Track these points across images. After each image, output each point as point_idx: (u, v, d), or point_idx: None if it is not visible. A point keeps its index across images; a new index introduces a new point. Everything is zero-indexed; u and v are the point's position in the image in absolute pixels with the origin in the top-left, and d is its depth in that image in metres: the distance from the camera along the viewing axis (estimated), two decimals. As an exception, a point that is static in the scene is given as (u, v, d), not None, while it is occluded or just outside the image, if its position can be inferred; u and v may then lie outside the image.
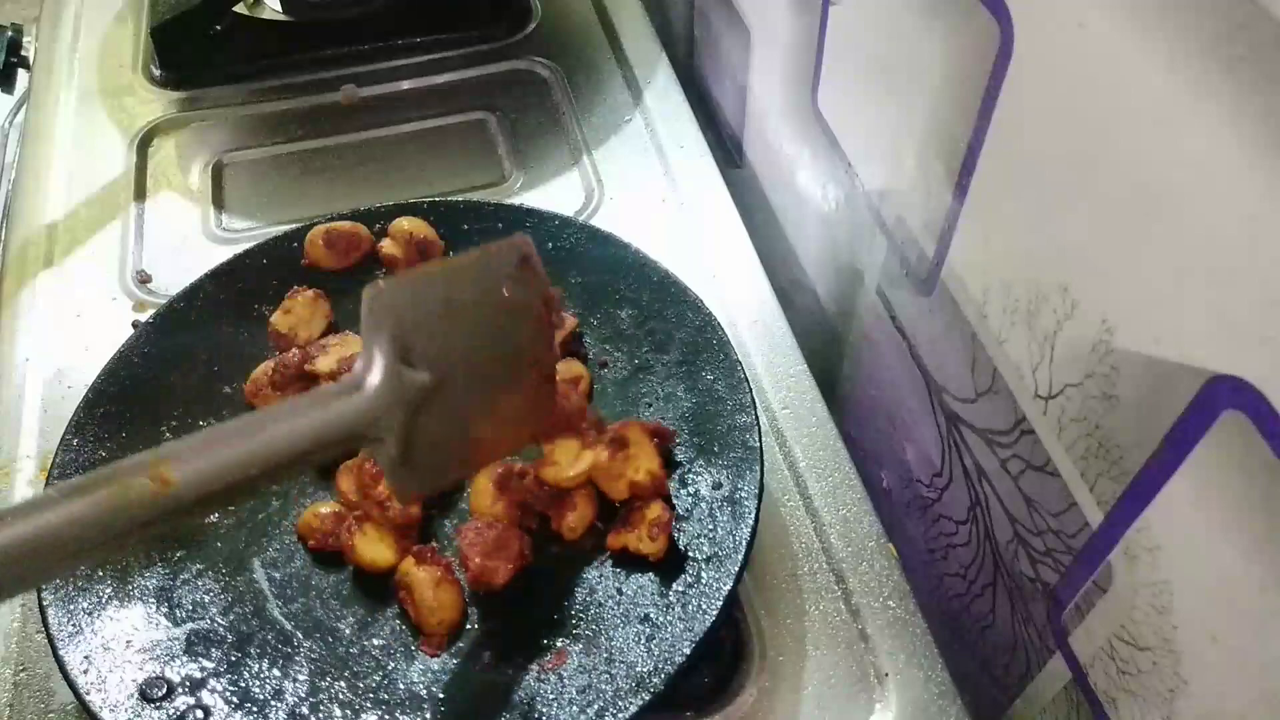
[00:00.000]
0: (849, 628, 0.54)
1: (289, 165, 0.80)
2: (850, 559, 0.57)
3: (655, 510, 0.50)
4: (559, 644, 0.48)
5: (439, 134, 0.82)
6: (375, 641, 0.49)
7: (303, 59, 0.87)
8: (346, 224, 0.65)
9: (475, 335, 0.44)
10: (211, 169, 0.79)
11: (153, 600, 0.50)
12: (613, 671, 0.47)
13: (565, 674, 0.47)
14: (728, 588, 0.48)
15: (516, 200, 0.75)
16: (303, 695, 0.47)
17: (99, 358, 0.59)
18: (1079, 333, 0.43)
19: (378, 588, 0.51)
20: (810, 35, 0.67)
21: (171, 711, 0.46)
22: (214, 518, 0.53)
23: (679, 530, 0.51)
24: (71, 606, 0.49)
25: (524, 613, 0.50)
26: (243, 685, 0.47)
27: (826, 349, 0.75)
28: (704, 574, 0.49)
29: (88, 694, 0.46)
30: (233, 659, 0.48)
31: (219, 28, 0.87)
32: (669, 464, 0.54)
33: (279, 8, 0.90)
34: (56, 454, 0.54)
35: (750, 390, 0.56)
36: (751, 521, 0.51)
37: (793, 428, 0.63)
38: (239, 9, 0.88)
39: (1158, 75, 0.35)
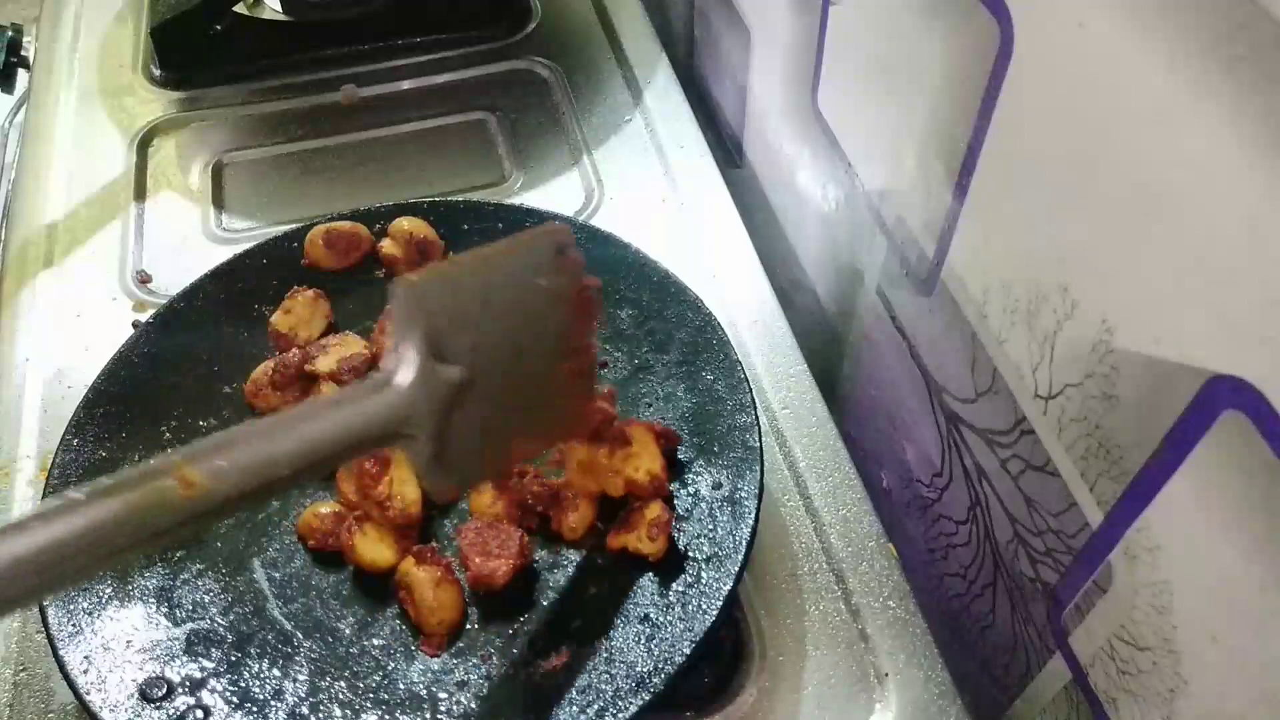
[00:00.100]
0: (849, 628, 0.54)
1: (289, 165, 0.80)
2: (850, 559, 0.57)
3: (655, 510, 0.50)
4: (559, 644, 0.48)
5: (439, 134, 0.82)
6: (375, 641, 0.49)
7: (303, 59, 0.87)
8: (346, 224, 0.65)
9: (510, 328, 0.43)
10: (211, 169, 0.79)
11: (153, 600, 0.50)
12: (613, 671, 0.47)
13: (565, 674, 0.47)
14: (728, 588, 0.48)
15: (516, 200, 0.75)
16: (303, 695, 0.47)
17: (99, 358, 0.59)
18: (1079, 333, 0.43)
19: (378, 588, 0.51)
20: (810, 35, 0.67)
21: (171, 711, 0.46)
22: (214, 518, 0.53)
23: (679, 530, 0.51)
24: (71, 606, 0.49)
25: (524, 613, 0.50)
26: (243, 685, 0.47)
27: (826, 349, 0.75)
28: (704, 574, 0.49)
29: (88, 694, 0.46)
30: (233, 659, 0.48)
31: (219, 28, 0.87)
32: (671, 465, 0.54)
33: (279, 8, 0.90)
34: (56, 454, 0.54)
35: (750, 390, 0.56)
36: (751, 521, 0.51)
37: (793, 428, 0.63)
38: (239, 9, 0.88)
39: (1158, 75, 0.35)
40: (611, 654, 0.47)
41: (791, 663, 0.53)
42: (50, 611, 0.48)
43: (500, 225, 0.66)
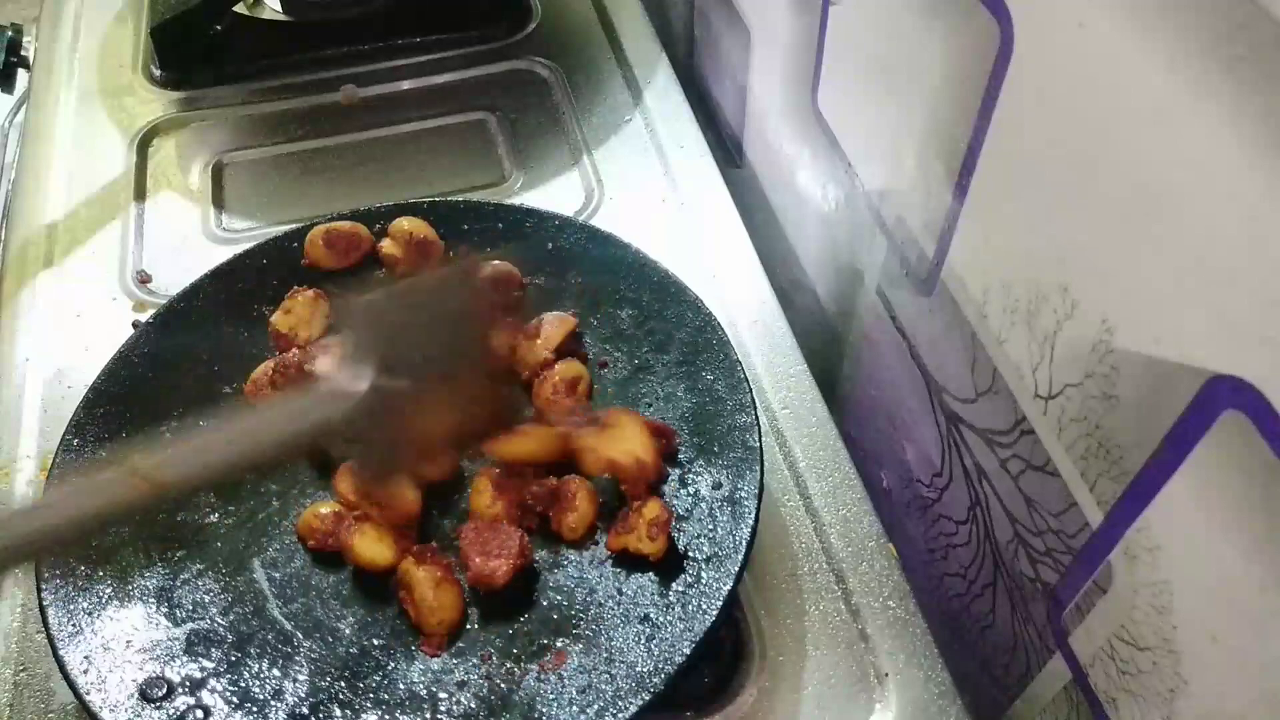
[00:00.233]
0: (849, 628, 0.54)
1: (289, 165, 0.80)
2: (850, 559, 0.57)
3: (654, 510, 0.50)
4: (559, 644, 0.48)
5: (439, 134, 0.82)
6: (375, 641, 0.49)
7: (303, 59, 0.87)
8: (346, 224, 0.65)
9: (432, 344, 0.49)
10: (211, 169, 0.79)
11: (153, 600, 0.50)
12: (613, 671, 0.47)
13: (565, 674, 0.47)
14: (728, 588, 0.48)
15: (516, 200, 0.75)
16: (303, 695, 0.47)
17: (99, 358, 0.59)
18: (1079, 333, 0.43)
19: (378, 588, 0.51)
20: (810, 35, 0.67)
21: (171, 711, 0.46)
22: (214, 517, 0.53)
23: (679, 530, 0.51)
24: (71, 606, 0.49)
25: (524, 613, 0.50)
26: (243, 685, 0.47)
27: (826, 349, 0.75)
28: (704, 574, 0.49)
29: (88, 694, 0.46)
30: (233, 659, 0.48)
31: (219, 28, 0.87)
32: (671, 463, 0.54)
33: (279, 8, 0.90)
34: (56, 454, 0.54)
35: (750, 390, 0.56)
36: (751, 521, 0.51)
37: (793, 428, 0.63)
38: (239, 9, 0.88)
39: (1158, 75, 0.35)
40: (611, 654, 0.47)
41: (791, 663, 0.53)
42: (50, 611, 0.48)
43: (500, 225, 0.66)
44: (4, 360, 0.66)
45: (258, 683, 0.47)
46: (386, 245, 0.64)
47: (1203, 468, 0.37)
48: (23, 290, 0.70)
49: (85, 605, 0.49)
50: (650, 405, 0.57)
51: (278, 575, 0.51)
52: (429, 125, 0.83)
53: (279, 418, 0.45)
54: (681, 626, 0.48)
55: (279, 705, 0.46)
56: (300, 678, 0.47)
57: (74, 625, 0.48)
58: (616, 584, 0.50)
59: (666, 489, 0.53)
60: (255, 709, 0.46)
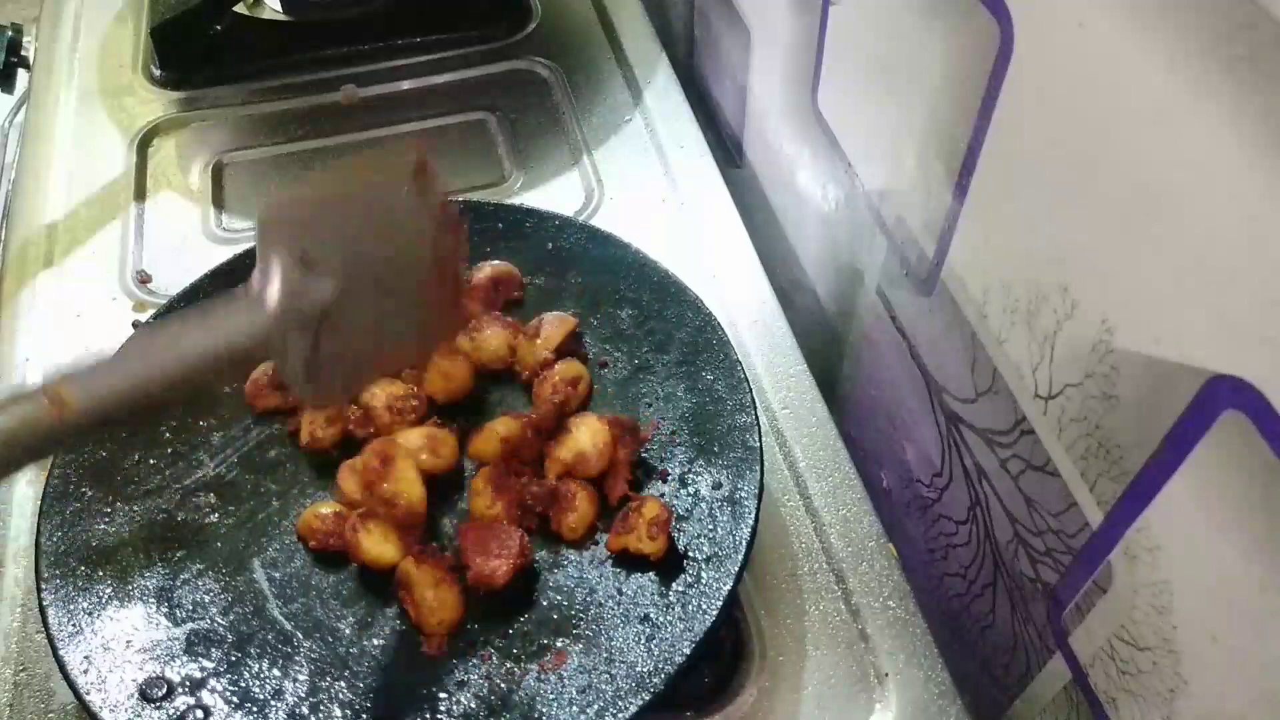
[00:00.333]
0: (849, 628, 0.54)
1: (289, 165, 0.80)
2: (850, 559, 0.57)
3: (654, 510, 0.50)
4: (559, 644, 0.48)
5: (439, 134, 0.82)
6: (375, 641, 0.49)
7: (303, 59, 0.87)
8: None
9: (375, 241, 0.44)
10: (211, 169, 0.79)
11: (153, 600, 0.50)
12: (613, 671, 0.47)
13: (565, 674, 0.47)
14: (728, 588, 0.49)
15: (516, 200, 0.75)
16: (303, 695, 0.47)
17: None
18: (1079, 333, 0.43)
19: (378, 587, 0.51)
20: (810, 35, 0.67)
21: (171, 711, 0.46)
22: (214, 517, 0.53)
23: (679, 530, 0.51)
24: (71, 606, 0.49)
25: (524, 613, 0.50)
26: (243, 685, 0.47)
27: (826, 349, 0.75)
28: (704, 574, 0.49)
29: (88, 694, 0.46)
30: (233, 659, 0.48)
31: (219, 28, 0.87)
32: (666, 460, 0.54)
33: (279, 8, 0.90)
34: (56, 454, 0.54)
35: (750, 390, 0.56)
36: (751, 521, 0.51)
37: (793, 428, 0.63)
38: (239, 9, 0.88)
39: (1158, 75, 0.35)
40: (611, 654, 0.47)
41: (791, 663, 0.53)
42: (50, 611, 0.49)
43: (500, 225, 0.66)
44: (4, 360, 0.66)
45: (258, 683, 0.47)
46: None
47: (1203, 468, 0.37)
48: (23, 290, 0.70)
49: (85, 605, 0.49)
50: (650, 405, 0.57)
51: (278, 575, 0.51)
52: (429, 125, 0.83)
53: (199, 333, 0.39)
54: (681, 626, 0.48)
55: (279, 705, 0.46)
56: (300, 678, 0.47)
57: (74, 625, 0.48)
58: (616, 584, 0.50)
59: (666, 489, 0.53)
60: (255, 709, 0.46)
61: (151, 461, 0.55)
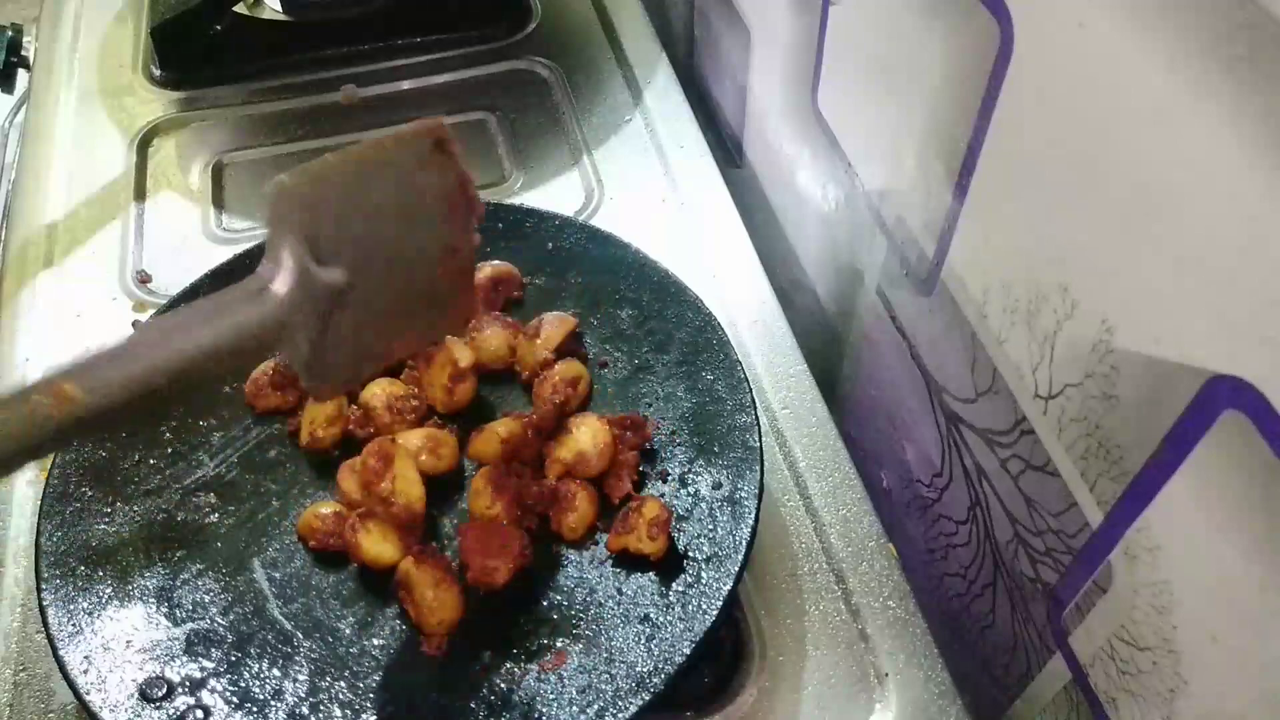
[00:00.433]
0: (849, 628, 0.54)
1: (289, 165, 0.78)
2: (850, 559, 0.57)
3: (654, 509, 0.50)
4: (559, 644, 0.48)
5: (439, 134, 0.82)
6: (375, 641, 0.49)
7: (303, 59, 0.87)
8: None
9: (388, 226, 0.42)
10: (211, 169, 0.79)
11: (153, 600, 0.50)
12: (613, 671, 0.47)
13: (565, 674, 0.47)
14: (728, 588, 0.49)
15: (516, 200, 0.75)
16: (303, 695, 0.47)
17: (99, 358, 0.59)
18: (1079, 333, 0.43)
19: (378, 587, 0.51)
20: (810, 35, 0.67)
21: (171, 711, 0.46)
22: (214, 517, 0.53)
23: (679, 530, 0.51)
24: (71, 606, 0.49)
25: (524, 613, 0.50)
26: (243, 685, 0.47)
27: (826, 349, 0.75)
28: (704, 574, 0.49)
29: (88, 694, 0.46)
30: (233, 659, 0.48)
31: (219, 28, 0.87)
32: (666, 460, 0.54)
33: (279, 8, 0.90)
34: (56, 454, 0.54)
35: (750, 390, 0.56)
36: (751, 521, 0.51)
37: (793, 428, 0.63)
38: (239, 9, 0.88)
39: (1158, 75, 0.35)
40: (611, 654, 0.47)
41: (791, 663, 0.53)
42: (50, 611, 0.49)
43: (500, 225, 0.66)
44: (4, 360, 0.66)
45: (258, 683, 0.47)
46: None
47: (1203, 468, 0.37)
48: (23, 290, 0.70)
49: (85, 605, 0.49)
50: (650, 405, 0.57)
51: (278, 575, 0.51)
52: (429, 125, 0.82)
53: (207, 321, 0.38)
54: (681, 626, 0.48)
55: (279, 705, 0.46)
56: (300, 678, 0.47)
57: (74, 625, 0.48)
58: (616, 584, 0.50)
59: (666, 489, 0.53)
60: (255, 709, 0.46)
61: (151, 461, 0.55)
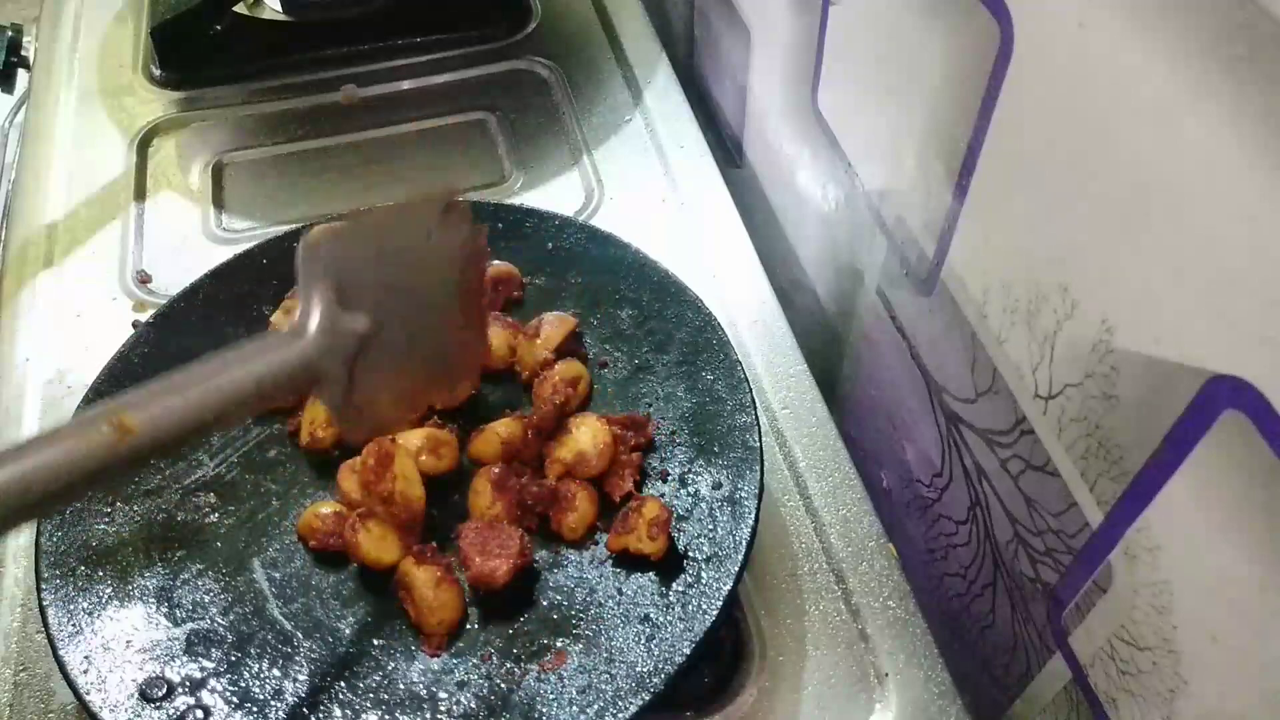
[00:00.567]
0: (849, 628, 0.54)
1: (289, 165, 0.80)
2: (850, 559, 0.57)
3: (654, 510, 0.50)
4: (559, 644, 0.48)
5: (439, 134, 0.82)
6: (375, 641, 0.49)
7: (303, 59, 0.87)
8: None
9: (408, 280, 0.46)
10: (211, 169, 0.79)
11: (153, 600, 0.50)
12: (613, 671, 0.47)
13: (565, 674, 0.47)
14: (728, 588, 0.49)
15: (516, 200, 0.75)
16: (303, 695, 0.47)
17: (99, 358, 0.59)
18: (1079, 333, 0.43)
19: (378, 587, 0.51)
20: (810, 35, 0.67)
21: (171, 711, 0.46)
22: (214, 517, 0.53)
23: (679, 530, 0.51)
24: (71, 606, 0.49)
25: (524, 613, 0.50)
26: (243, 685, 0.47)
27: (826, 349, 0.75)
28: (704, 574, 0.49)
29: (88, 694, 0.46)
30: (233, 659, 0.48)
31: (219, 28, 0.87)
32: (666, 460, 0.54)
33: (279, 8, 0.90)
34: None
35: (750, 390, 0.56)
36: (751, 521, 0.51)
37: (793, 428, 0.63)
38: (239, 9, 0.88)
39: (1158, 75, 0.35)
40: (611, 654, 0.47)
41: (791, 663, 0.53)
42: (50, 611, 0.48)
43: (500, 225, 0.66)
44: (4, 360, 0.66)
45: (258, 683, 0.47)
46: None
47: (1203, 468, 0.37)
48: (23, 290, 0.70)
49: (85, 605, 0.49)
50: (650, 405, 0.57)
51: (278, 575, 0.51)
52: (429, 125, 0.83)
53: (247, 361, 0.41)
54: (681, 626, 0.48)
55: (279, 705, 0.46)
56: (300, 678, 0.47)
57: (74, 625, 0.48)
58: (616, 584, 0.50)
59: (666, 489, 0.53)
60: (255, 709, 0.46)
61: (151, 461, 0.55)
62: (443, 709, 0.46)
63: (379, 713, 0.46)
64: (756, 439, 0.54)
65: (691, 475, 0.54)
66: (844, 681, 0.52)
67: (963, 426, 0.56)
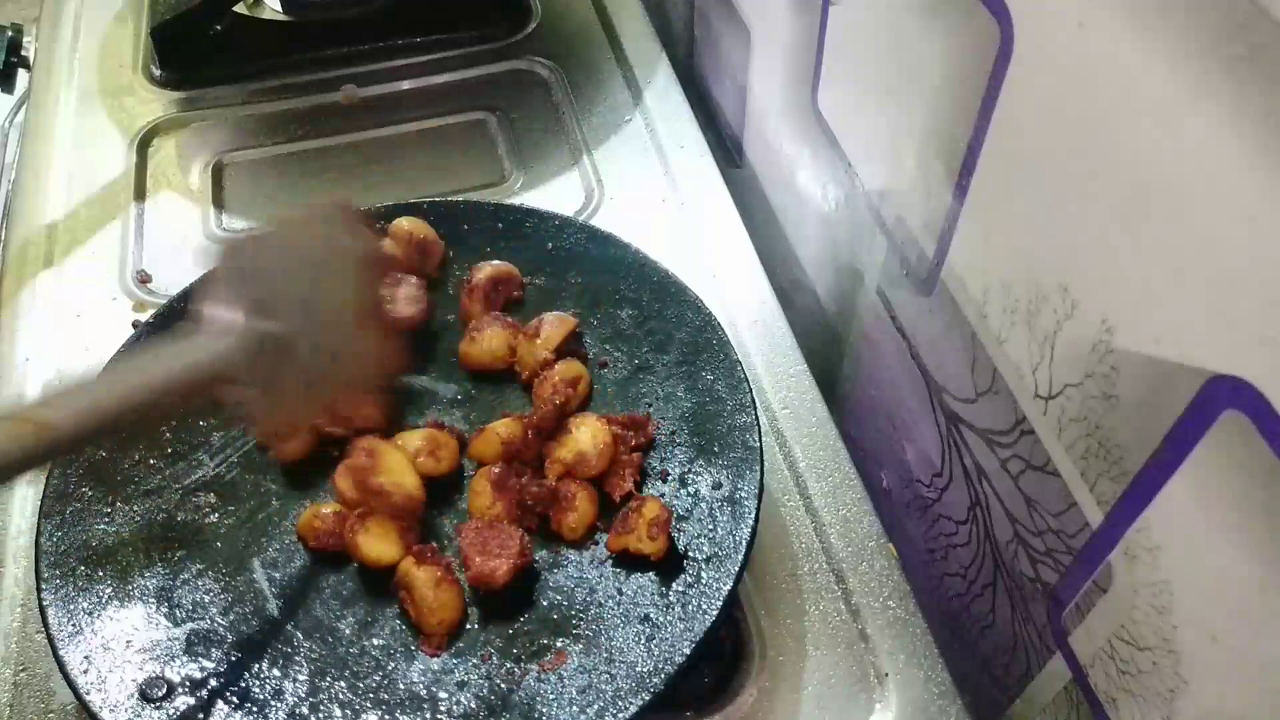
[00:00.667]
0: (849, 628, 0.54)
1: (289, 165, 0.80)
2: (850, 559, 0.57)
3: (654, 510, 0.50)
4: (559, 644, 0.48)
5: (439, 134, 0.82)
6: (375, 641, 0.49)
7: (303, 59, 0.87)
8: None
9: (311, 287, 0.49)
10: (211, 169, 0.79)
11: (153, 600, 0.50)
12: (613, 671, 0.47)
13: (565, 674, 0.47)
14: (728, 588, 0.49)
15: (516, 200, 0.75)
16: (303, 695, 0.47)
17: (99, 358, 0.59)
18: (1079, 333, 0.43)
19: (378, 587, 0.51)
20: (810, 35, 0.67)
21: (171, 711, 0.46)
22: (214, 517, 0.53)
23: (679, 530, 0.51)
24: (71, 606, 0.49)
25: (524, 613, 0.50)
26: (243, 685, 0.47)
27: (826, 349, 0.75)
28: (704, 574, 0.49)
29: (88, 694, 0.46)
30: (233, 659, 0.48)
31: (219, 28, 0.87)
32: (666, 460, 0.54)
33: (279, 8, 0.90)
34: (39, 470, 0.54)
35: (750, 390, 0.56)
36: (751, 521, 0.51)
37: (793, 428, 0.63)
38: (239, 9, 0.88)
39: (1158, 75, 0.35)
40: (611, 654, 0.47)
41: (791, 663, 0.53)
42: (50, 611, 0.48)
43: (500, 225, 0.66)
44: (4, 360, 0.66)
45: (258, 683, 0.47)
46: (386, 245, 0.64)
47: (1203, 468, 0.37)
48: (23, 290, 0.70)
49: (85, 605, 0.49)
50: (650, 405, 0.57)
51: (278, 575, 0.51)
52: (429, 125, 0.83)
53: (167, 358, 0.44)
54: (681, 626, 0.48)
55: (279, 705, 0.46)
56: (300, 678, 0.47)
57: (74, 625, 0.48)
58: (616, 584, 0.50)
59: (666, 489, 0.53)
60: (255, 709, 0.46)
61: (151, 461, 0.55)
62: (443, 709, 0.46)
63: (379, 713, 0.46)
64: (756, 439, 0.54)
65: (691, 475, 0.54)
66: (844, 681, 0.52)
67: (963, 426, 0.56)
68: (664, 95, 0.85)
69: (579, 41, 0.90)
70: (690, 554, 0.50)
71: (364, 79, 0.85)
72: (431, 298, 0.62)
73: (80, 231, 0.74)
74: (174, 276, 0.69)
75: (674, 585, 0.49)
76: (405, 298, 0.60)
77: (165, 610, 0.49)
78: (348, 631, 0.49)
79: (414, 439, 0.54)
